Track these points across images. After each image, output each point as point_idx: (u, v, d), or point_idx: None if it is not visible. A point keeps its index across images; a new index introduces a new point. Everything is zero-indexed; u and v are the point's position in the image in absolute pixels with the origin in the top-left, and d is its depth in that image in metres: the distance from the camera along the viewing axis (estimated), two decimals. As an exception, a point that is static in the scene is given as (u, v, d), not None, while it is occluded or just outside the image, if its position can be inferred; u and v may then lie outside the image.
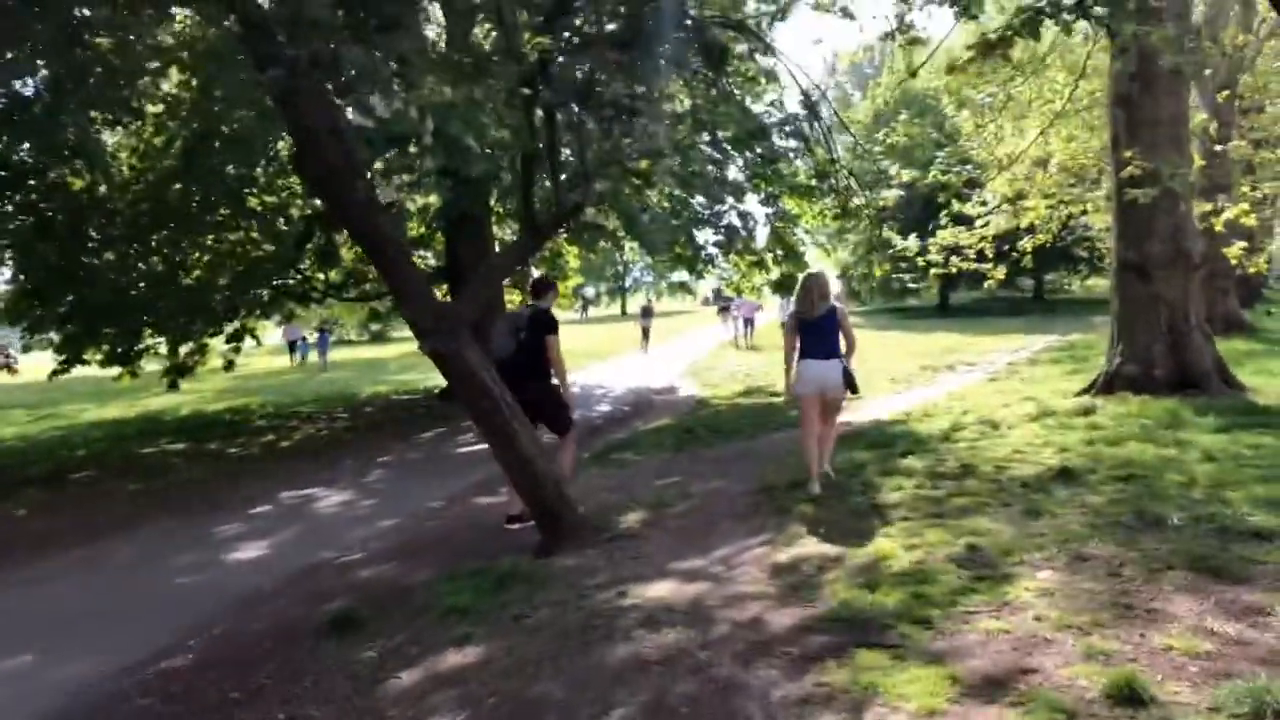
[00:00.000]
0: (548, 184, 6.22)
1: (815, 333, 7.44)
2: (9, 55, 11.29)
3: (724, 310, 33.67)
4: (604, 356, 27.75)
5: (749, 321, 28.76)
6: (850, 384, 7.51)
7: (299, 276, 19.89)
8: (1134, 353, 10.57)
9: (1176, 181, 9.67)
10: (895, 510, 6.62)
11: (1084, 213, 20.94)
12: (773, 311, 30.14)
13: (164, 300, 16.03)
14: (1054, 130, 17.14)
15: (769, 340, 28.15)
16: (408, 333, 46.86)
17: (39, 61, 11.47)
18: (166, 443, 15.70)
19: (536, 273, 21.37)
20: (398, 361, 33.02)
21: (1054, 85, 16.47)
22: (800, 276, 7.95)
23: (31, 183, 14.08)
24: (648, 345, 30.05)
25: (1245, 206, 12.40)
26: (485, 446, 13.17)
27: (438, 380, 20.87)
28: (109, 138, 15.05)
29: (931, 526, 6.06)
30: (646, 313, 31.60)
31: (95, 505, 10.47)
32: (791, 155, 15.40)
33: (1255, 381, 11.48)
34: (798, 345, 7.54)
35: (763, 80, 12.32)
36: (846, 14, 7.45)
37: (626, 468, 10.09)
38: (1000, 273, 19.72)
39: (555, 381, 7.68)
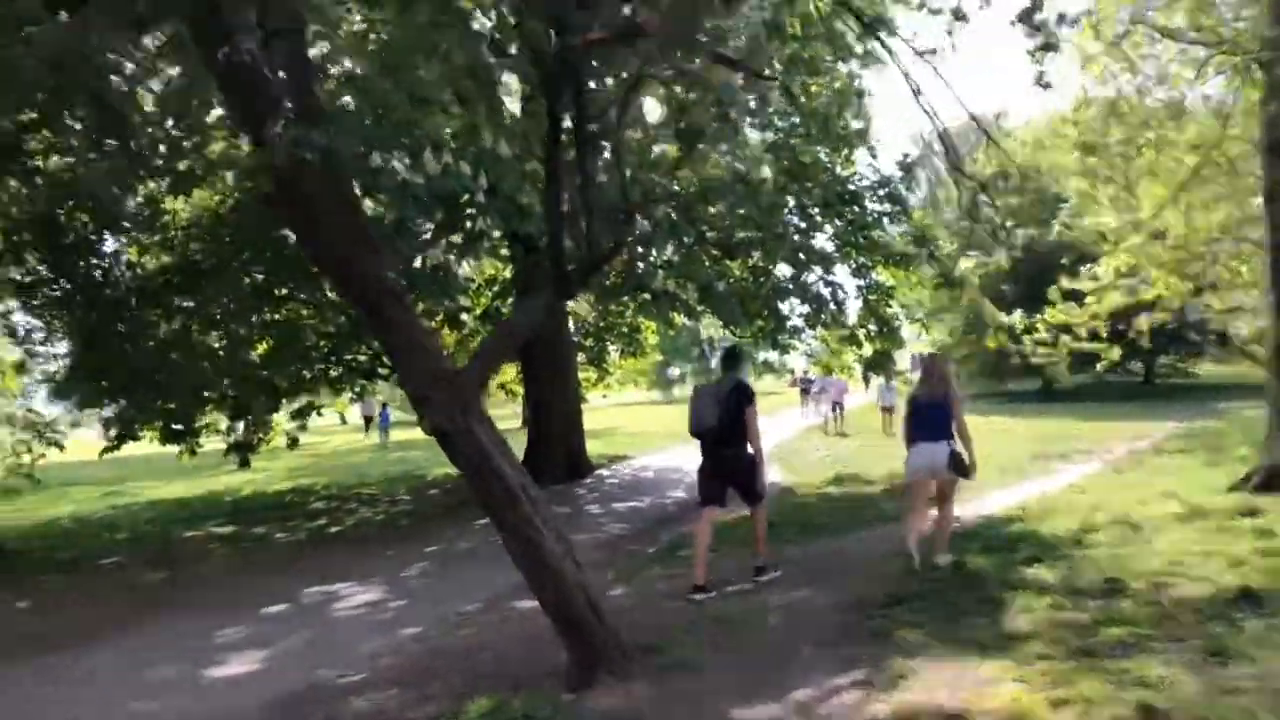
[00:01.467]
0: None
1: (929, 415, 7.35)
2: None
3: (805, 391, 31.94)
4: (681, 438, 26.33)
5: (838, 405, 26.66)
6: (959, 467, 7.27)
7: (369, 351, 19.16)
8: (1301, 443, 8.89)
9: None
10: (1029, 642, 5.14)
11: (1200, 290, 19.13)
12: (867, 392, 27.60)
13: (222, 375, 15.30)
14: (1173, 201, 15.51)
15: (862, 423, 26.47)
16: (494, 410, 45.43)
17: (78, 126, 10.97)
18: (215, 525, 14.80)
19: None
20: (474, 441, 32.15)
21: (1175, 154, 14.87)
22: (922, 357, 8.25)
23: (94, 260, 13.62)
24: None
25: None
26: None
27: (509, 462, 19.81)
28: (174, 205, 14.47)
29: (1082, 670, 4.58)
30: None
31: (104, 598, 9.48)
32: (886, 220, 14.10)
33: None
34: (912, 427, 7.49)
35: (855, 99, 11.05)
36: (958, 15, 6.22)
37: (692, 569, 8.69)
38: (1115, 353, 17.98)
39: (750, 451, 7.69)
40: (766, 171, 14.18)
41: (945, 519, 7.63)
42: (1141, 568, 6.66)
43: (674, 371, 62.70)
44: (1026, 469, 15.56)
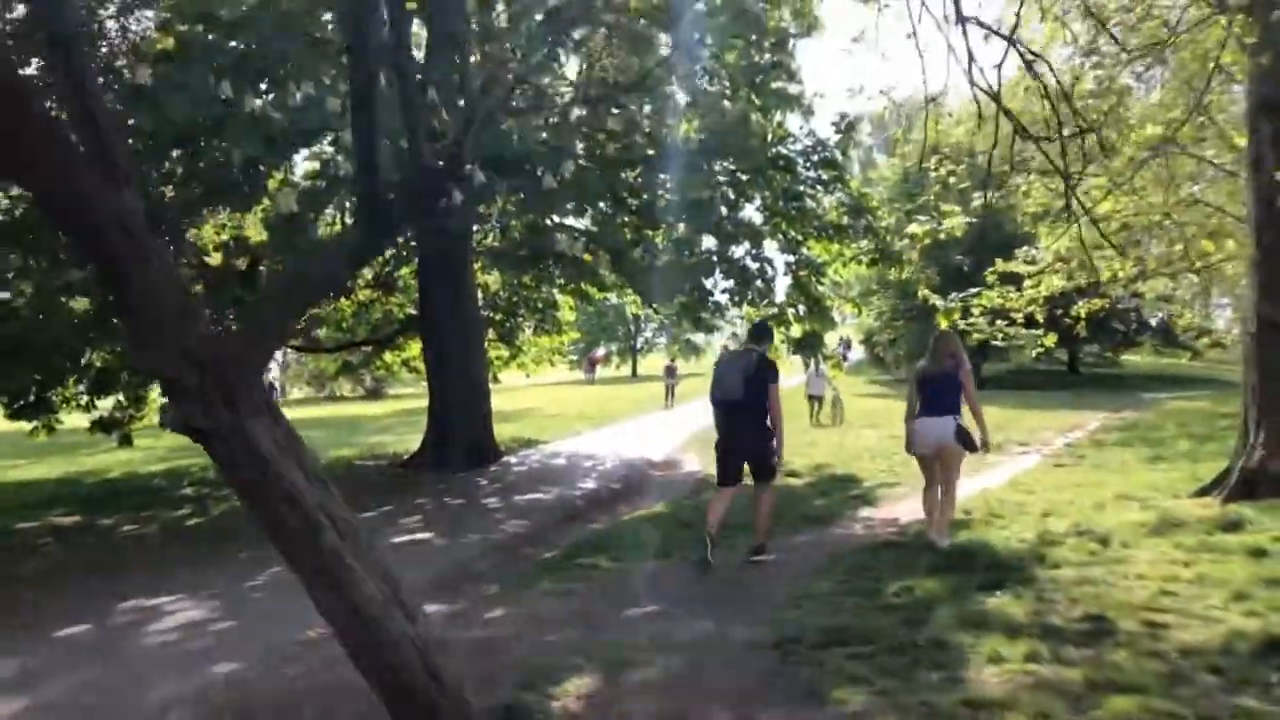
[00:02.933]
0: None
1: (936, 390, 7.44)
2: None
3: None
4: (600, 422, 24.99)
5: None
6: (965, 441, 7.32)
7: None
8: (1283, 444, 7.82)
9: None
10: (1006, 712, 3.89)
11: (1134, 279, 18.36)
12: (804, 376, 25.05)
13: (84, 343, 13.44)
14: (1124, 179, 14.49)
15: (786, 410, 25.25)
16: (409, 389, 42.66)
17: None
18: (60, 514, 13.05)
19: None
20: (382, 420, 30.40)
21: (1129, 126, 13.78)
22: (932, 334, 8.04)
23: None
24: (672, 402, 30.12)
25: None
26: (427, 536, 10.55)
27: (411, 444, 18.25)
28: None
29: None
30: (671, 372, 32.57)
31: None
32: (820, 188, 12.85)
33: None
34: (919, 402, 7.56)
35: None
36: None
37: (590, 583, 7.37)
38: (1052, 339, 17.11)
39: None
40: (691, 133, 12.89)
41: (949, 499, 7.60)
42: (1125, 597, 5.49)
43: (600, 351, 61.19)
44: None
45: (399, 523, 11.22)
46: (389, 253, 15.55)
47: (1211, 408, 23.00)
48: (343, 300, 19.28)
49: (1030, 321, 16.09)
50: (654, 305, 14.76)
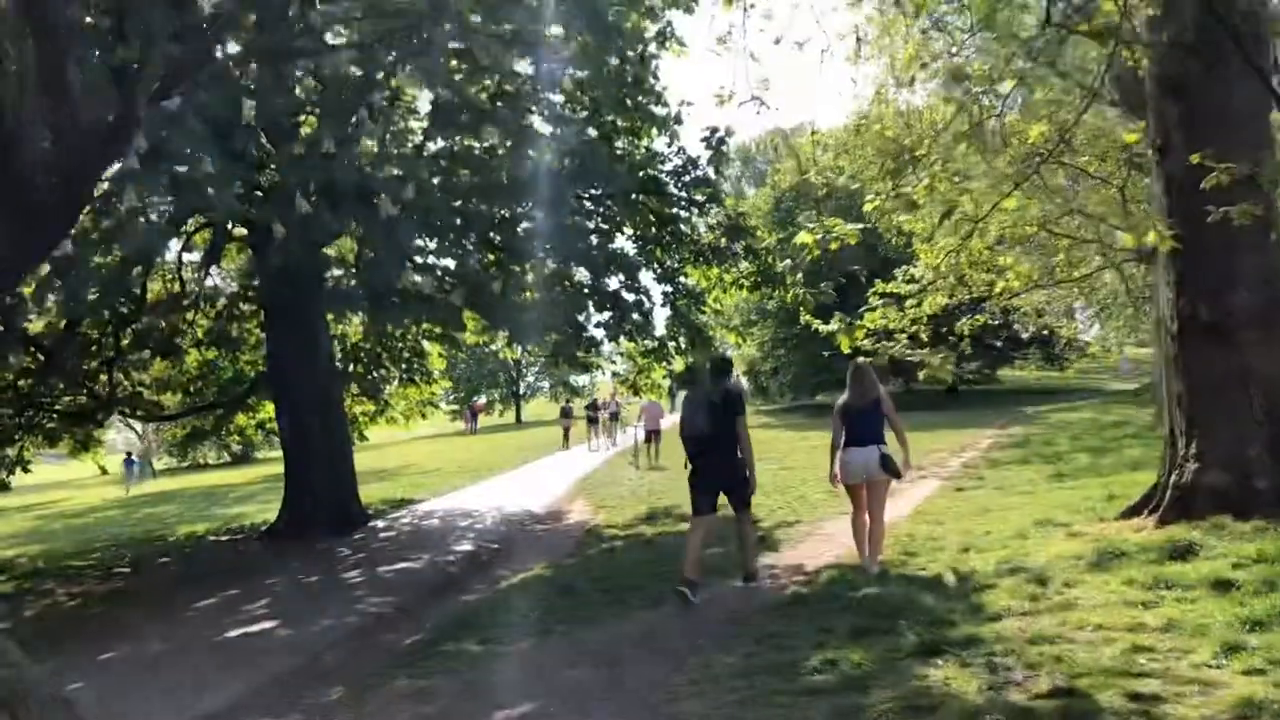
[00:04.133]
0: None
1: (860, 421, 7.57)
2: None
3: (593, 420, 29.18)
4: (480, 474, 23.52)
5: (654, 433, 21.86)
6: (890, 468, 7.49)
7: (85, 393, 15.93)
8: (1218, 455, 7.06)
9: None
10: None
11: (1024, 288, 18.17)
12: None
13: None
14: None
15: (675, 453, 24.32)
16: (279, 452, 40.79)
17: None
18: None
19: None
20: (246, 488, 28.30)
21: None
22: (850, 366, 8.01)
23: None
24: (568, 444, 30.14)
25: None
26: (270, 625, 9.13)
27: (274, 513, 16.57)
28: None
29: None
30: (567, 413, 32.91)
31: None
32: (694, 209, 11.93)
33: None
34: (843, 434, 7.65)
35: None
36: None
37: (454, 676, 6.13)
38: (939, 357, 16.65)
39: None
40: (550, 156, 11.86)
41: (878, 526, 7.63)
42: (1092, 658, 4.53)
43: (481, 400, 59.33)
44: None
45: (241, 610, 9.74)
46: (221, 302, 14.00)
47: (1096, 417, 22.96)
48: (188, 360, 17.69)
49: (915, 340, 15.59)
50: (525, 345, 13.60)
